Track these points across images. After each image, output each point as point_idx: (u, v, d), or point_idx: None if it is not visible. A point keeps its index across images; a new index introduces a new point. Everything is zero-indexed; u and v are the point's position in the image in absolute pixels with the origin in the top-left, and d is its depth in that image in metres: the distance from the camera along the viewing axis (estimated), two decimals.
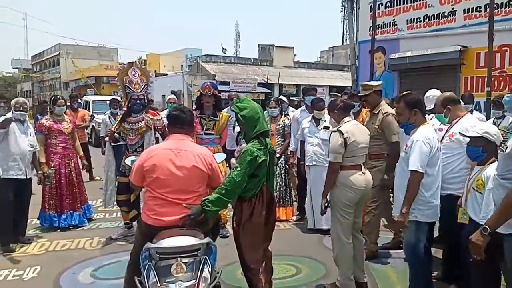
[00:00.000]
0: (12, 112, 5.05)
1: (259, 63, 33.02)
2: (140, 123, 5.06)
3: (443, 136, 3.76)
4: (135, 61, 5.20)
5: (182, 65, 38.21)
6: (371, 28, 9.20)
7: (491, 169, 2.94)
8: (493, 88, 7.34)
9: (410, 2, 9.32)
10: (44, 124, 5.68)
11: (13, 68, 60.72)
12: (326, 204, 3.79)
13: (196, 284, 2.61)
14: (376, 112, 4.62)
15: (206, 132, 5.24)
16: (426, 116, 3.79)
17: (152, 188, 3.00)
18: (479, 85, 8.06)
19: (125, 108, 5.19)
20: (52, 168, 5.61)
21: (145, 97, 5.12)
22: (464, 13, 8.41)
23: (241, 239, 3.28)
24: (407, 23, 9.44)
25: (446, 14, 8.71)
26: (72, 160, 5.87)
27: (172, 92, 24.40)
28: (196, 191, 3.03)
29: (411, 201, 3.22)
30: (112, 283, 4.07)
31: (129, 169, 4.83)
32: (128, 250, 4.82)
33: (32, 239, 5.30)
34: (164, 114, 8.15)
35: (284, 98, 7.44)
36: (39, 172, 5.30)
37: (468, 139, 3.19)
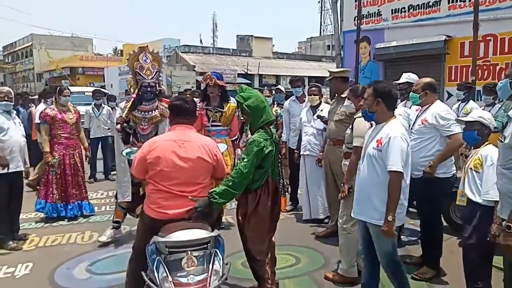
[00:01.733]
0: None
1: (238, 54, 32.88)
2: (154, 111, 4.73)
3: (414, 121, 3.99)
4: (146, 46, 4.82)
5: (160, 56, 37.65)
6: (356, 18, 9.20)
7: (487, 149, 3.10)
8: (477, 77, 7.46)
9: None
10: (48, 114, 5.59)
11: None
12: (349, 189, 3.61)
13: (208, 278, 2.57)
14: (343, 96, 4.59)
15: (213, 124, 5.13)
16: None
17: (155, 181, 2.92)
18: (463, 74, 8.19)
19: (134, 95, 4.82)
20: (56, 157, 5.50)
21: (157, 84, 4.79)
22: (448, 3, 8.49)
23: (247, 231, 3.26)
24: (392, 13, 9.49)
25: (430, 4, 8.79)
26: (77, 151, 5.79)
27: None
28: (201, 182, 2.97)
29: (395, 205, 2.87)
30: (110, 278, 3.97)
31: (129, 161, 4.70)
32: (121, 243, 4.81)
33: (27, 235, 5.13)
34: None
35: (282, 88, 7.36)
36: (27, 165, 5.12)
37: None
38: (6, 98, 4.78)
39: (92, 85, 31.09)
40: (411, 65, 8.79)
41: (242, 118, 3.35)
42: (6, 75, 54.45)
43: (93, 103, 8.50)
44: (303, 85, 6.39)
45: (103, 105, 8.55)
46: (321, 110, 5.33)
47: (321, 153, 5.09)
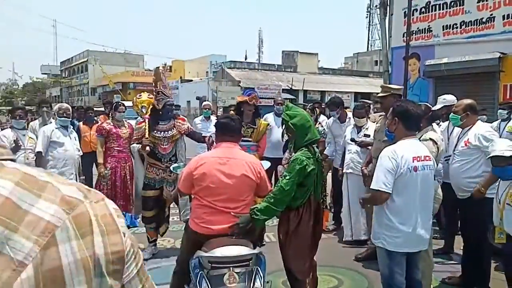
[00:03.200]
0: (56, 119, 5.17)
1: (283, 69, 33.09)
2: (172, 130, 4.82)
3: (456, 143, 3.97)
4: (164, 65, 5.15)
5: (207, 71, 38.58)
6: (405, 34, 9.03)
7: None
8: None
9: (446, 8, 9.11)
10: (104, 128, 5.87)
11: (42, 73, 62.45)
12: None
13: None
14: None
15: (243, 139, 5.20)
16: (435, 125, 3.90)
17: (200, 196, 2.99)
18: None
19: (147, 116, 4.79)
20: (108, 169, 5.77)
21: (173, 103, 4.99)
22: (503, 19, 8.16)
23: (288, 249, 3.24)
24: (443, 29, 9.23)
25: (484, 20, 8.48)
26: (128, 164, 6.01)
27: (198, 98, 24.63)
28: (244, 199, 3.01)
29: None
30: None
31: (159, 181, 4.80)
32: (165, 256, 4.91)
33: None
34: (198, 120, 8.25)
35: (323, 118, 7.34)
36: (81, 177, 5.40)
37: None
38: (64, 114, 5.10)
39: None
40: (463, 83, 8.53)
41: (287, 135, 3.36)
42: (62, 89, 57.65)
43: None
44: (338, 108, 6.31)
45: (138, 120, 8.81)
46: (367, 129, 5.26)
47: (365, 171, 4.94)
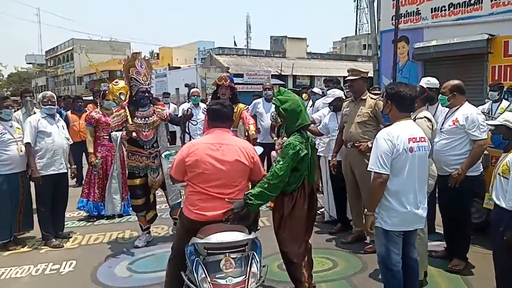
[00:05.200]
0: (41, 108, 5.08)
1: (272, 55, 32.87)
2: (152, 116, 4.78)
3: (443, 122, 4.08)
4: (139, 52, 4.93)
5: (195, 58, 38.17)
6: (394, 17, 9.02)
7: None
8: None
9: None
10: (93, 117, 5.87)
11: (27, 63, 61.37)
12: None
13: (246, 280, 2.59)
14: (364, 98, 4.59)
15: None
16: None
17: (194, 183, 2.97)
18: (508, 74, 7.88)
19: (125, 103, 4.75)
20: (99, 158, 5.73)
21: (150, 90, 4.85)
22: (491, 0, 8.20)
23: (283, 233, 3.26)
24: (432, 12, 9.25)
25: (472, 2, 8.51)
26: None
27: (186, 85, 24.40)
28: (238, 185, 3.00)
29: (373, 204, 2.95)
30: (150, 277, 4.08)
31: (143, 168, 4.77)
32: (160, 243, 4.93)
33: (71, 233, 5.36)
34: (185, 106, 8.21)
35: (317, 90, 7.34)
36: (73, 166, 5.35)
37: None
38: (49, 102, 5.00)
39: None
40: (452, 65, 8.59)
41: (279, 121, 3.35)
42: (48, 79, 56.78)
43: None
44: (334, 85, 6.39)
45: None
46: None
47: (334, 159, 4.98)
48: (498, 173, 3.14)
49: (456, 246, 4.21)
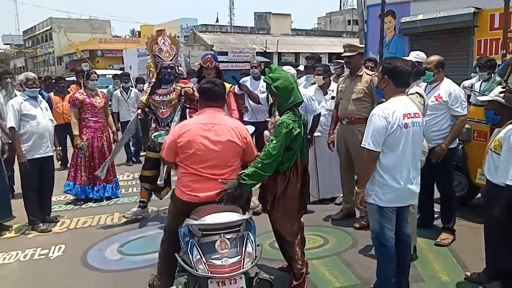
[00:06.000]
0: (24, 90, 4.91)
1: (256, 32, 32.52)
2: (171, 94, 4.80)
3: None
4: (163, 29, 4.96)
5: (178, 36, 37.48)
6: None
7: (509, 130, 3.03)
8: (508, 51, 7.17)
9: None
10: (77, 98, 5.72)
11: (5, 44, 59.65)
12: None
13: (242, 260, 2.57)
14: (360, 74, 4.57)
15: None
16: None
17: (186, 164, 2.91)
18: (493, 48, 7.90)
19: (153, 80, 4.92)
20: (84, 140, 5.61)
21: (176, 67, 4.90)
22: None
23: (276, 213, 3.24)
24: None
25: None
26: (104, 134, 5.91)
27: None
28: (231, 165, 2.95)
29: (364, 180, 2.96)
30: (141, 259, 4.05)
31: (159, 144, 4.76)
32: (150, 225, 4.89)
33: (58, 217, 5.26)
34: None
35: (301, 68, 7.28)
36: (58, 148, 5.24)
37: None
38: (34, 85, 4.84)
39: (111, 67, 31.32)
40: (438, 39, 8.58)
41: (271, 98, 3.29)
42: (27, 60, 55.30)
43: (120, 86, 8.57)
44: (316, 63, 6.32)
45: (130, 88, 8.61)
46: (332, 90, 5.26)
47: (331, 135, 4.96)
48: (490, 149, 3.16)
49: (442, 219, 4.31)
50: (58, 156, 5.36)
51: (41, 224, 4.89)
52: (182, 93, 4.82)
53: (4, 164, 4.97)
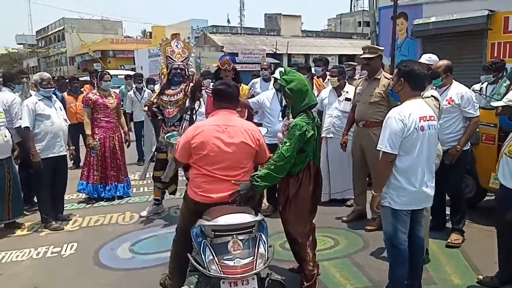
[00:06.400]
0: (39, 90, 4.97)
1: (266, 33, 32.52)
2: (179, 94, 4.88)
3: None
4: (177, 33, 5.08)
5: (188, 37, 37.57)
6: None
7: None
8: None
9: None
10: (90, 98, 5.78)
11: (18, 44, 60.38)
12: None
13: (254, 261, 2.58)
14: (378, 77, 4.54)
15: None
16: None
17: (199, 165, 2.92)
18: (507, 51, 7.81)
19: (164, 81, 5.05)
20: (97, 140, 5.68)
21: (186, 69, 4.97)
22: None
23: (288, 214, 3.25)
24: None
25: None
26: (116, 134, 5.97)
27: None
28: (244, 167, 2.96)
29: (381, 184, 2.94)
30: (152, 258, 4.08)
31: (166, 145, 4.83)
32: (161, 224, 4.92)
33: (71, 216, 5.31)
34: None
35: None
36: (71, 148, 5.30)
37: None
38: (49, 85, 4.91)
39: (123, 68, 31.56)
40: (451, 42, 8.50)
41: (285, 100, 3.30)
42: (40, 59, 55.91)
43: (134, 87, 8.63)
44: (324, 65, 6.31)
45: (144, 88, 8.68)
46: (346, 92, 5.24)
47: (345, 136, 4.94)
48: (505, 153, 3.15)
49: (452, 221, 4.32)
50: (71, 156, 5.42)
51: (53, 222, 4.94)
52: (190, 88, 4.81)
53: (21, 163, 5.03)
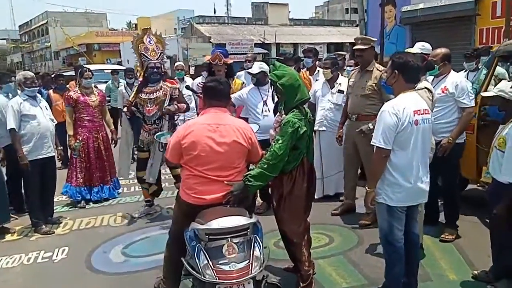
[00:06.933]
0: (22, 89, 4.83)
1: (254, 22, 32.29)
2: (157, 92, 4.79)
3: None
4: (148, 28, 4.93)
5: (175, 28, 37.18)
6: None
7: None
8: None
9: None
10: (71, 97, 5.58)
11: (1, 39, 59.10)
12: None
13: (250, 264, 2.52)
14: (370, 69, 4.46)
15: None
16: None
17: (191, 166, 2.85)
18: (495, 37, 7.79)
19: (141, 79, 4.93)
20: (79, 141, 5.50)
21: (162, 66, 4.86)
22: None
23: (283, 213, 3.19)
24: None
25: None
26: (100, 134, 5.76)
27: (168, 57, 23.83)
28: (237, 167, 2.89)
29: (375, 179, 2.88)
30: (145, 260, 4.00)
31: (147, 144, 4.85)
32: (154, 225, 4.84)
33: (60, 219, 5.19)
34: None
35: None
36: (59, 148, 5.17)
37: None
38: (33, 84, 4.76)
39: (109, 62, 31.11)
40: (440, 29, 8.46)
41: (276, 96, 3.22)
42: (24, 55, 54.95)
43: (125, 82, 8.48)
44: (314, 56, 6.20)
45: (135, 84, 8.52)
46: (339, 84, 5.13)
47: (341, 130, 4.87)
48: (495, 146, 3.13)
49: (446, 215, 4.27)
50: (60, 156, 5.29)
51: (43, 226, 4.83)
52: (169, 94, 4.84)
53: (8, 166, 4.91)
